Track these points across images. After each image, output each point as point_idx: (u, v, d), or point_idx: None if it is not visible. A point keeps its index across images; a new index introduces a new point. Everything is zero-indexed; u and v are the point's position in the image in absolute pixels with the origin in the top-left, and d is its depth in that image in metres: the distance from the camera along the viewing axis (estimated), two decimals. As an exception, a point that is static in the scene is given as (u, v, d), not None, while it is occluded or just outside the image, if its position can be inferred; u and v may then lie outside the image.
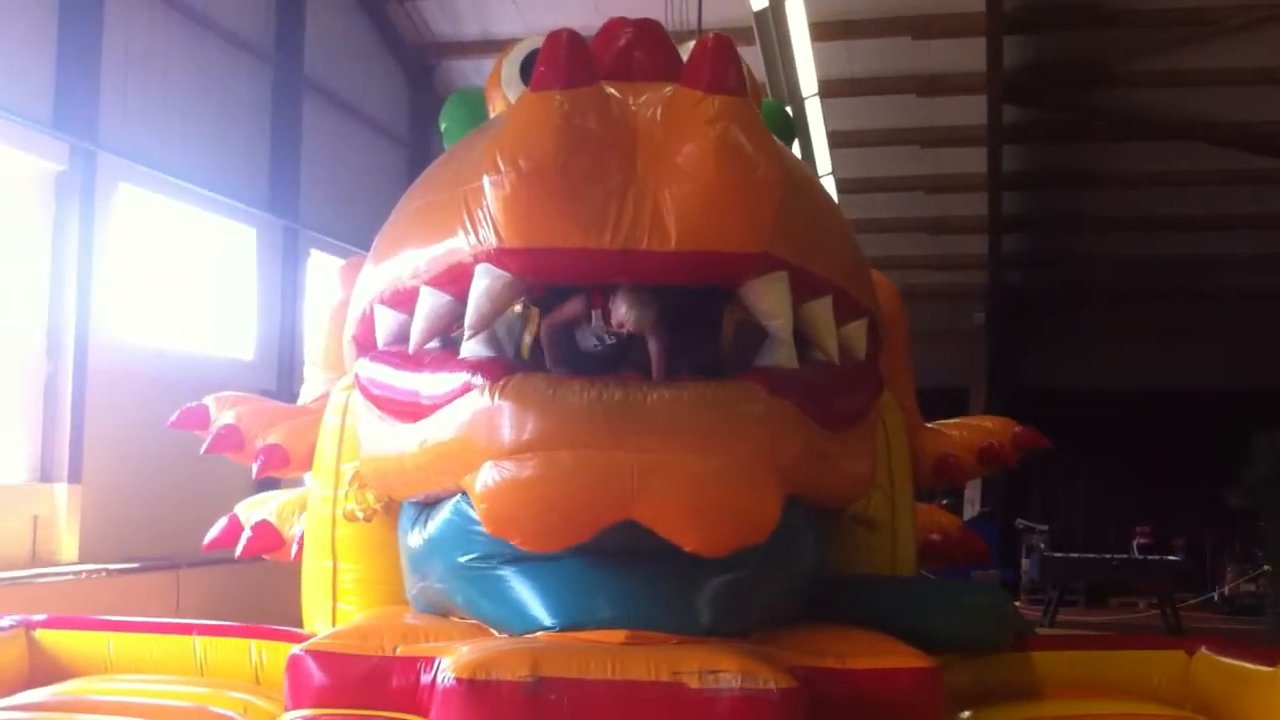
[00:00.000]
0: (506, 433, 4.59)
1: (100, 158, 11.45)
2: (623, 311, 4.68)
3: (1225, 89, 16.88)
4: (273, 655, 5.98)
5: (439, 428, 4.89)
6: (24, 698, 5.40)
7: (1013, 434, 7.43)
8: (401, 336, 5.30)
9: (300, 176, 15.05)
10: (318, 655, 4.92)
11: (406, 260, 5.22)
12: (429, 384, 5.02)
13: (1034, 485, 22.55)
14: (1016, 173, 19.19)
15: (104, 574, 10.46)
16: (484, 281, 4.76)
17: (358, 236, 11.56)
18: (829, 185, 17.25)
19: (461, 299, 4.86)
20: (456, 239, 4.84)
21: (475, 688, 4.49)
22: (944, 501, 13.54)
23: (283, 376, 14.03)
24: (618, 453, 4.49)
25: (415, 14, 17.84)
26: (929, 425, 7.54)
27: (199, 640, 6.19)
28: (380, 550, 6.03)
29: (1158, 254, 21.04)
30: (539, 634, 4.96)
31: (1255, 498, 17.35)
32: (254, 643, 6.17)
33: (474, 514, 4.81)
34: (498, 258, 4.70)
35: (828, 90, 15.56)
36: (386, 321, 5.42)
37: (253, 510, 7.14)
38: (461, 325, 4.89)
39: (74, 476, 10.92)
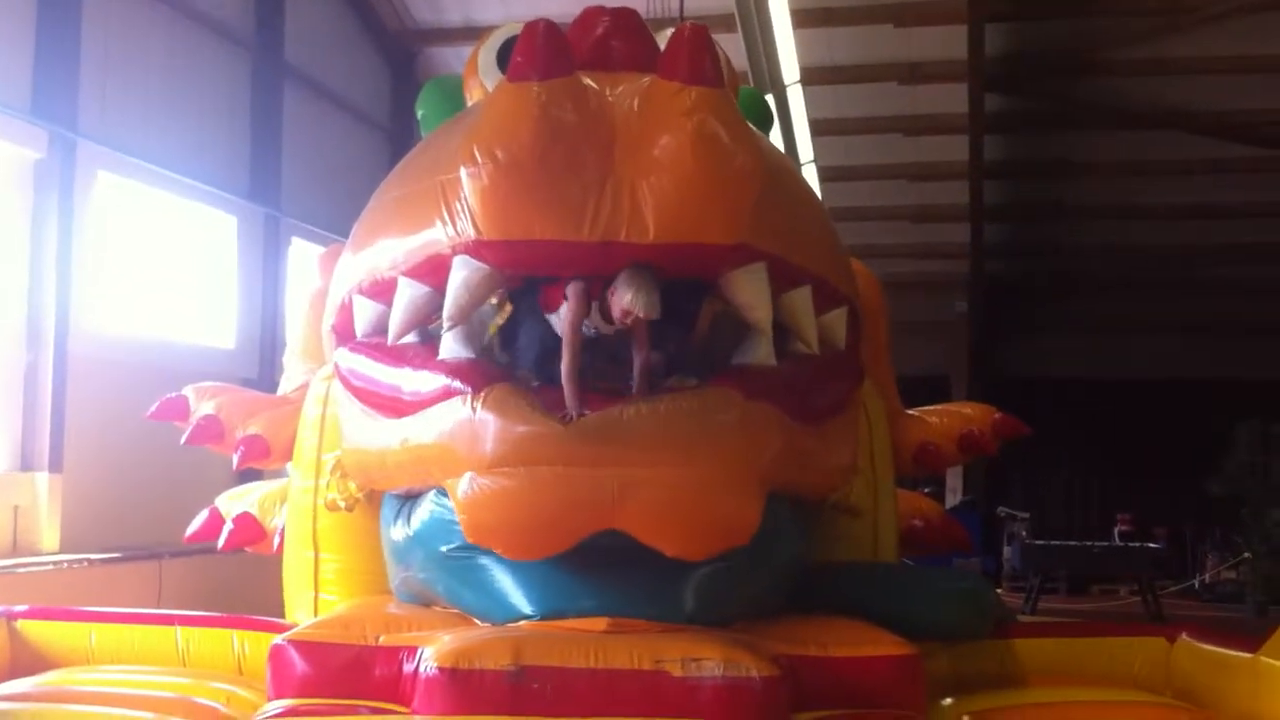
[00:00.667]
0: (488, 446, 4.61)
1: (79, 145, 11.37)
2: (627, 298, 4.64)
3: (1205, 77, 16.89)
4: (255, 645, 5.98)
5: (420, 429, 4.91)
6: (6, 688, 5.39)
7: (993, 421, 7.46)
8: (380, 327, 5.30)
9: (281, 164, 14.96)
10: (300, 645, 4.93)
11: (384, 250, 5.22)
12: (410, 381, 5.02)
13: (1015, 474, 22.62)
14: (998, 161, 19.20)
15: (85, 564, 10.41)
16: (462, 273, 4.76)
17: (339, 224, 11.51)
18: (810, 173, 17.23)
19: (440, 290, 4.86)
20: (434, 230, 4.84)
21: (458, 677, 4.51)
22: (926, 490, 13.56)
23: (264, 365, 13.97)
24: (597, 467, 4.54)
25: (397, 1, 17.76)
26: (910, 413, 7.56)
27: (181, 631, 6.17)
28: (362, 541, 6.03)
29: (1139, 243, 21.09)
30: (521, 623, 4.98)
31: (1236, 486, 17.44)
32: (236, 633, 6.17)
33: (455, 506, 4.83)
34: (476, 250, 4.71)
35: (809, 78, 15.51)
36: (365, 312, 5.42)
37: (234, 502, 7.12)
38: (440, 316, 4.89)
39: (55, 466, 10.86)
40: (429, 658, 4.62)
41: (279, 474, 7.13)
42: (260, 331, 14.26)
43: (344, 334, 5.64)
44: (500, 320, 5.33)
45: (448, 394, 4.76)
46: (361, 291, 5.40)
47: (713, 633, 4.81)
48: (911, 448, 7.20)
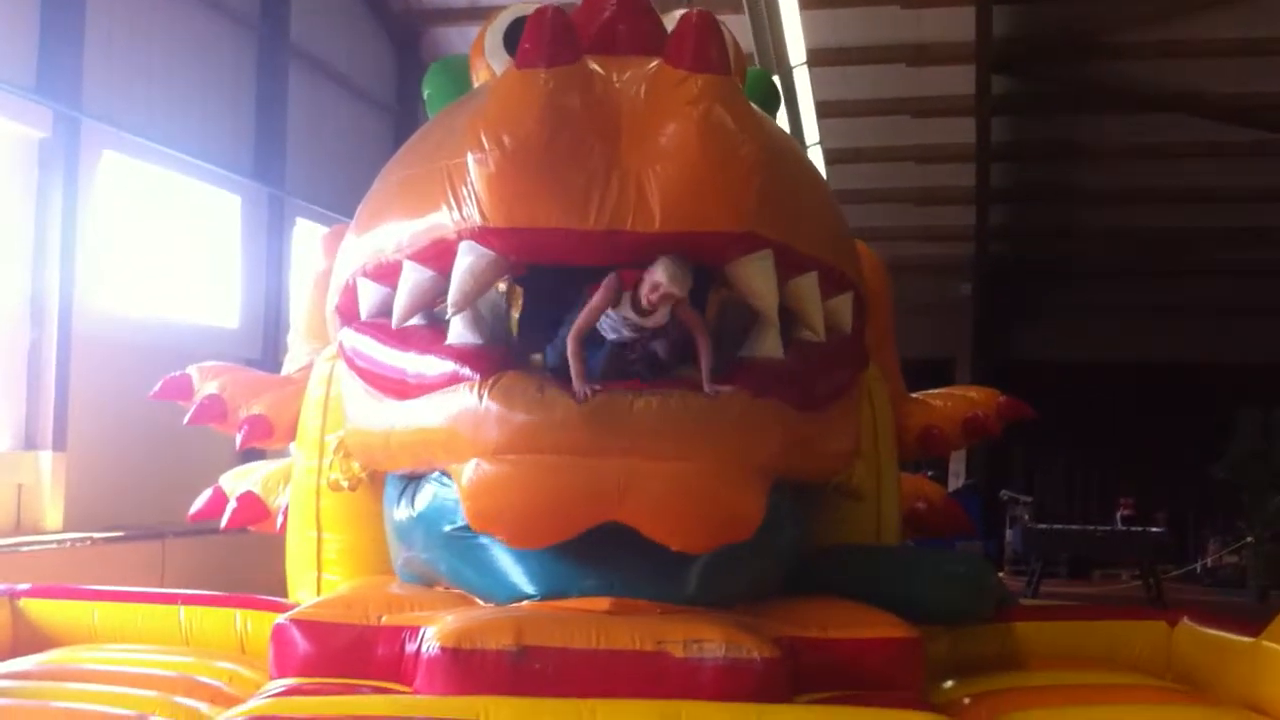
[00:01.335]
0: (494, 433, 4.62)
1: (84, 125, 11.37)
2: (659, 274, 4.64)
3: (1211, 60, 16.85)
4: (258, 625, 5.98)
5: (426, 413, 4.91)
6: (9, 666, 5.39)
7: (997, 404, 7.45)
8: (384, 310, 5.30)
9: (286, 144, 14.96)
10: (302, 624, 4.94)
11: (389, 233, 5.21)
12: (416, 364, 5.02)
13: (1018, 457, 22.63)
14: (1004, 144, 19.16)
15: (89, 543, 10.44)
16: (467, 259, 4.76)
17: (343, 204, 11.51)
18: (816, 156, 17.21)
19: (444, 274, 4.86)
20: (440, 214, 4.84)
21: (460, 656, 4.52)
22: (929, 473, 13.56)
23: (268, 345, 13.99)
24: (602, 458, 4.55)
25: (403, -20, 17.75)
26: (914, 396, 7.56)
27: (184, 610, 6.18)
28: (365, 520, 6.03)
29: (1145, 226, 21.05)
30: (523, 603, 4.99)
31: (1239, 471, 17.43)
32: (239, 612, 6.17)
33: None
34: (481, 236, 4.71)
35: (816, 59, 15.49)
36: (369, 294, 5.41)
37: (238, 481, 7.13)
38: (444, 300, 4.89)
39: (58, 444, 10.89)
40: (431, 637, 4.63)
41: (282, 454, 7.14)
42: (264, 311, 14.28)
43: (348, 315, 5.63)
44: (515, 313, 5.35)
45: (455, 380, 4.77)
46: (366, 274, 5.40)
47: (714, 614, 4.82)
48: (915, 431, 7.20)
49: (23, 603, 6.21)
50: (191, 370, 7.08)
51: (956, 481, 19.94)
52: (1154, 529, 17.59)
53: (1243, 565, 18.12)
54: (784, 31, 13.55)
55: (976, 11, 15.79)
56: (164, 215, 12.94)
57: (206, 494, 7.24)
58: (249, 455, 8.32)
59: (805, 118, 16.08)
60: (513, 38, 5.52)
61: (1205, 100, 17.65)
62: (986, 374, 19.40)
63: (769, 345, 4.94)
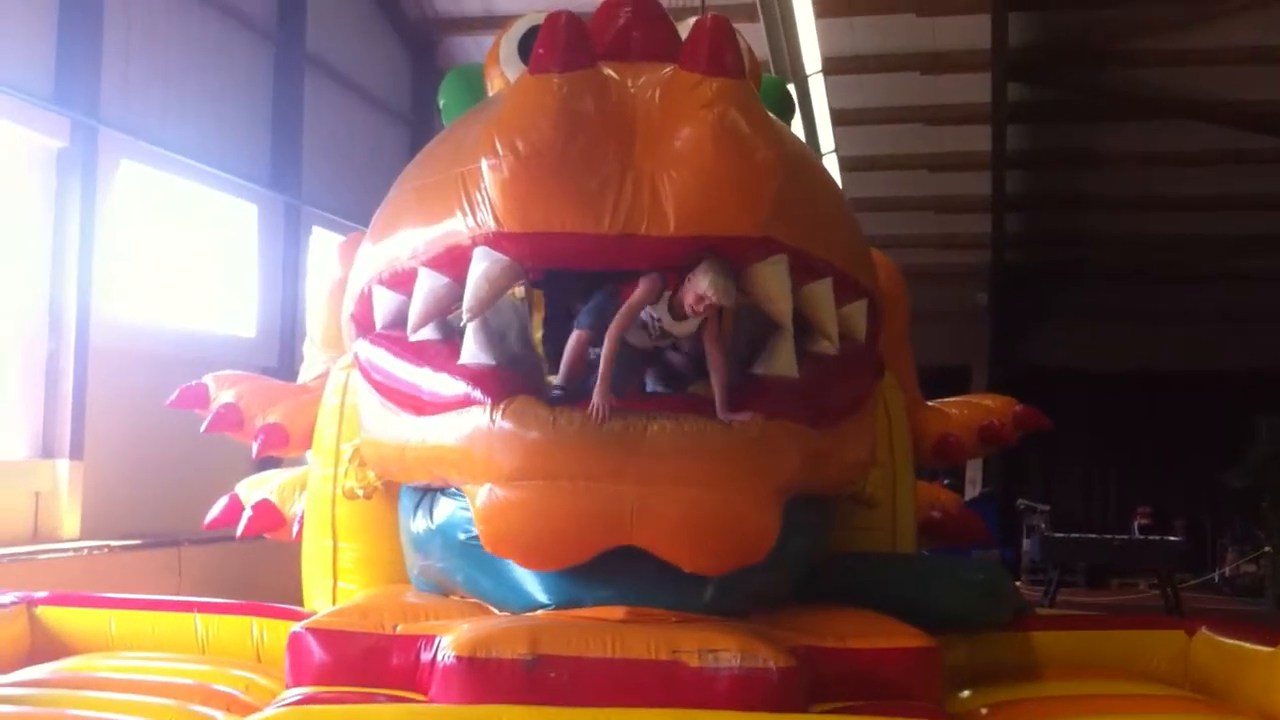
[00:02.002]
0: (507, 458, 4.63)
1: (102, 134, 11.41)
2: (704, 284, 4.62)
3: (1226, 68, 16.80)
4: (273, 633, 6.00)
5: (440, 432, 4.92)
6: (26, 674, 5.42)
7: (1013, 413, 7.42)
8: (400, 317, 5.30)
9: (302, 153, 15.00)
10: (318, 633, 4.94)
11: (404, 240, 5.22)
12: (430, 381, 5.03)
13: (1035, 465, 22.54)
14: (1020, 151, 19.12)
15: (106, 550, 10.47)
16: (482, 265, 4.76)
17: (359, 213, 11.53)
18: (832, 164, 17.20)
19: (460, 281, 4.86)
20: (454, 221, 4.84)
21: (475, 665, 4.51)
22: (945, 481, 13.53)
23: (284, 354, 14.02)
24: (616, 483, 4.55)
25: (418, -10, 17.79)
26: (930, 404, 7.54)
27: (200, 618, 6.20)
28: (381, 529, 6.04)
29: (1159, 233, 20.96)
30: (538, 611, 4.98)
31: (1256, 478, 17.34)
32: (255, 620, 6.19)
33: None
34: (496, 241, 4.71)
35: (831, 68, 15.49)
36: (385, 302, 5.42)
37: (254, 489, 7.15)
38: (459, 307, 4.89)
39: (76, 453, 10.92)
40: (446, 646, 4.63)
41: (298, 462, 7.15)
42: (280, 320, 14.31)
43: (363, 323, 5.64)
44: (539, 319, 5.34)
45: (467, 402, 4.77)
46: (381, 281, 5.41)
47: (730, 623, 4.81)
48: (931, 439, 7.18)
49: (40, 610, 6.24)
50: (208, 379, 7.10)
51: (973, 490, 19.88)
52: (1171, 538, 17.51)
53: (1261, 574, 18.02)
54: (799, 40, 13.57)
55: (992, 19, 15.76)
56: (181, 224, 12.98)
57: (222, 502, 7.25)
58: (265, 464, 8.33)
59: (821, 126, 16.08)
60: (527, 46, 5.51)
61: (1220, 107, 17.60)
62: (1003, 382, 19.35)
63: (784, 362, 4.91)
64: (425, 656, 4.77)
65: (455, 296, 4.97)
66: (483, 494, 4.68)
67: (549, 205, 4.59)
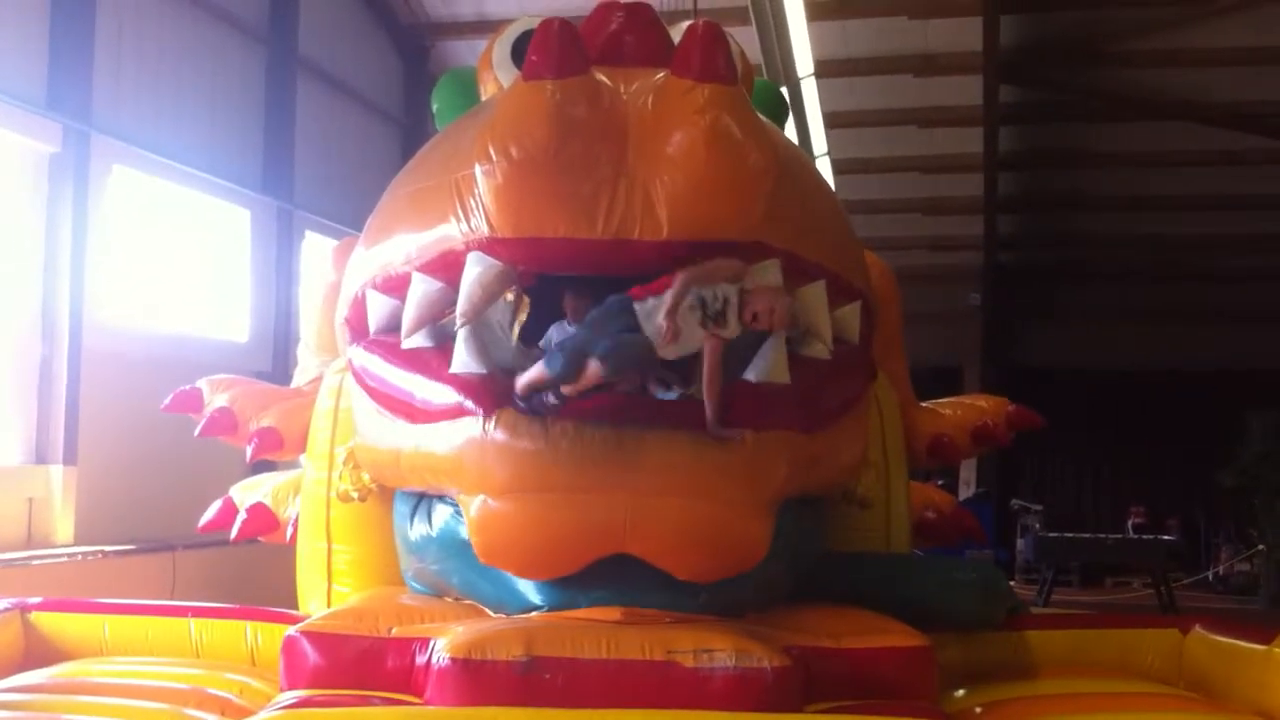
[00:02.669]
0: (500, 469, 4.65)
1: (94, 139, 11.41)
2: (776, 307, 4.64)
3: (1219, 68, 16.85)
4: (268, 637, 5.99)
5: (433, 440, 4.92)
6: (20, 680, 5.40)
7: (1006, 413, 7.43)
8: (393, 322, 5.30)
9: (294, 157, 15.01)
10: (313, 636, 4.94)
11: (398, 245, 5.23)
12: (422, 389, 5.03)
13: (1029, 465, 22.60)
14: (1012, 152, 19.17)
15: (100, 556, 10.46)
16: (476, 270, 4.78)
17: (352, 218, 11.51)
18: (824, 166, 17.21)
19: (453, 286, 4.87)
20: (448, 226, 4.86)
21: (470, 667, 4.52)
22: (939, 482, 13.55)
23: (277, 358, 14.03)
24: (610, 495, 4.56)
25: (410, -6, 17.80)
26: (923, 405, 7.55)
27: (194, 622, 6.19)
28: (375, 531, 6.03)
29: (1152, 233, 21.03)
30: (533, 613, 4.99)
31: (1249, 477, 17.39)
32: (249, 624, 6.18)
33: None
34: (489, 246, 4.72)
35: (824, 70, 15.49)
36: (378, 307, 5.42)
37: (248, 493, 7.14)
38: (453, 312, 4.90)
39: (69, 458, 10.92)
40: (441, 649, 4.63)
41: (292, 465, 7.15)
42: (273, 325, 14.32)
43: (357, 328, 5.64)
44: (521, 318, 5.34)
45: (460, 412, 4.78)
46: (375, 286, 5.41)
47: (725, 623, 4.81)
48: (925, 440, 7.19)
49: (34, 616, 6.21)
50: (202, 383, 7.08)
51: (967, 490, 19.92)
52: (1165, 536, 17.55)
53: (1255, 573, 18.08)
54: (791, 43, 13.55)
55: (984, 21, 15.79)
56: (173, 229, 12.97)
57: (216, 505, 7.24)
58: (259, 467, 8.33)
59: (813, 128, 16.09)
60: (520, 50, 5.54)
61: (1212, 108, 17.65)
62: (996, 382, 19.40)
63: (776, 368, 4.91)
64: (420, 659, 4.77)
65: (449, 301, 4.98)
66: (476, 505, 4.70)
67: (542, 210, 4.61)
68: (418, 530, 5.48)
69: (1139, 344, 21.62)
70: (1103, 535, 17.92)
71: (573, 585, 4.92)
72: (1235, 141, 18.12)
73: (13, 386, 10.75)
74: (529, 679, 4.48)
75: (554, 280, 5.19)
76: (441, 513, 5.28)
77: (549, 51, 4.52)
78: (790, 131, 13.24)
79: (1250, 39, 16.19)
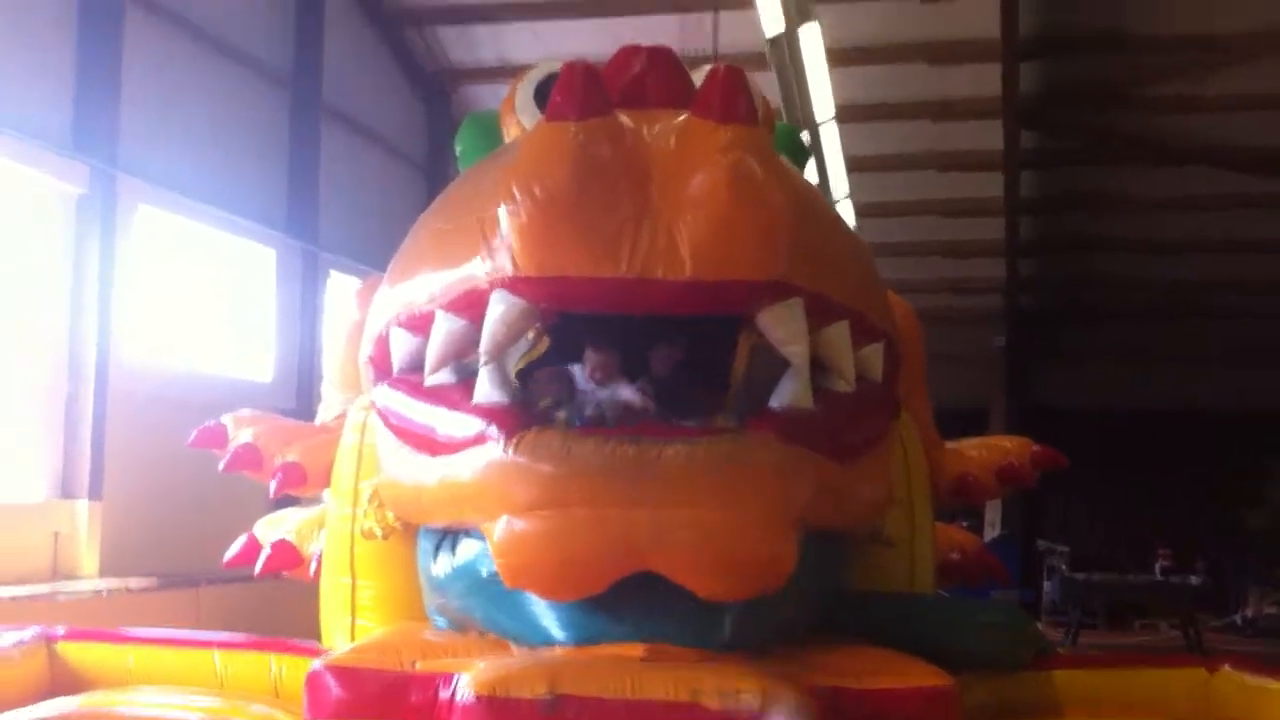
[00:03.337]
0: (522, 489, 4.65)
1: (120, 180, 11.53)
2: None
3: (1237, 114, 16.88)
4: (292, 670, 6.00)
5: (455, 470, 4.94)
6: (46, 708, 5.43)
7: (1031, 453, 7.43)
8: (417, 360, 5.33)
9: (319, 198, 15.13)
10: (337, 670, 4.95)
11: (422, 284, 5.27)
12: (445, 422, 5.05)
13: (1054, 506, 22.48)
14: (1032, 197, 19.19)
15: (125, 590, 10.50)
16: (499, 308, 4.81)
17: (375, 259, 11.59)
18: (846, 209, 17.27)
19: (476, 325, 4.90)
20: (472, 265, 4.89)
21: (494, 705, 4.51)
22: (964, 523, 13.50)
23: (301, 397, 14.08)
24: (632, 509, 4.55)
25: (433, 40, 17.95)
26: (948, 445, 7.54)
27: (219, 654, 6.21)
28: (399, 567, 6.03)
29: (1174, 277, 21.00)
30: (557, 649, 4.98)
31: (1276, 519, 17.27)
32: (274, 657, 6.19)
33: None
34: (513, 285, 4.75)
35: (844, 115, 15.59)
36: (401, 344, 5.45)
37: (271, 528, 7.17)
38: (476, 350, 4.94)
39: (94, 493, 10.98)
40: (465, 685, 4.63)
41: (316, 501, 7.18)
42: (298, 364, 14.38)
43: (381, 366, 5.68)
44: (534, 355, 5.36)
45: (482, 439, 4.80)
46: (399, 324, 5.44)
47: (750, 663, 4.79)
48: (950, 479, 7.18)
49: (60, 646, 6.25)
50: (226, 419, 7.14)
51: (992, 531, 19.83)
52: (1193, 578, 17.40)
53: (1283, 616, 17.91)
54: (810, 88, 13.65)
55: (1003, 67, 15.87)
56: (199, 270, 13.08)
57: (241, 541, 7.28)
58: (282, 503, 8.36)
59: (834, 173, 16.17)
60: (544, 93, 5.59)
61: (1230, 153, 17.66)
62: (1020, 423, 19.34)
63: (798, 394, 4.93)
64: (444, 694, 4.76)
65: (472, 339, 5.00)
66: (500, 527, 4.68)
67: (566, 249, 4.64)
68: (441, 566, 5.48)
69: (1163, 384, 21.56)
70: (1130, 576, 17.79)
71: (597, 619, 4.91)
72: (1253, 185, 18.11)
73: (40, 423, 10.83)
74: (553, 717, 4.47)
75: (568, 318, 5.22)
76: (465, 548, 5.29)
77: (572, 93, 4.57)
78: (811, 175, 13.32)
79: (1267, 86, 16.22)
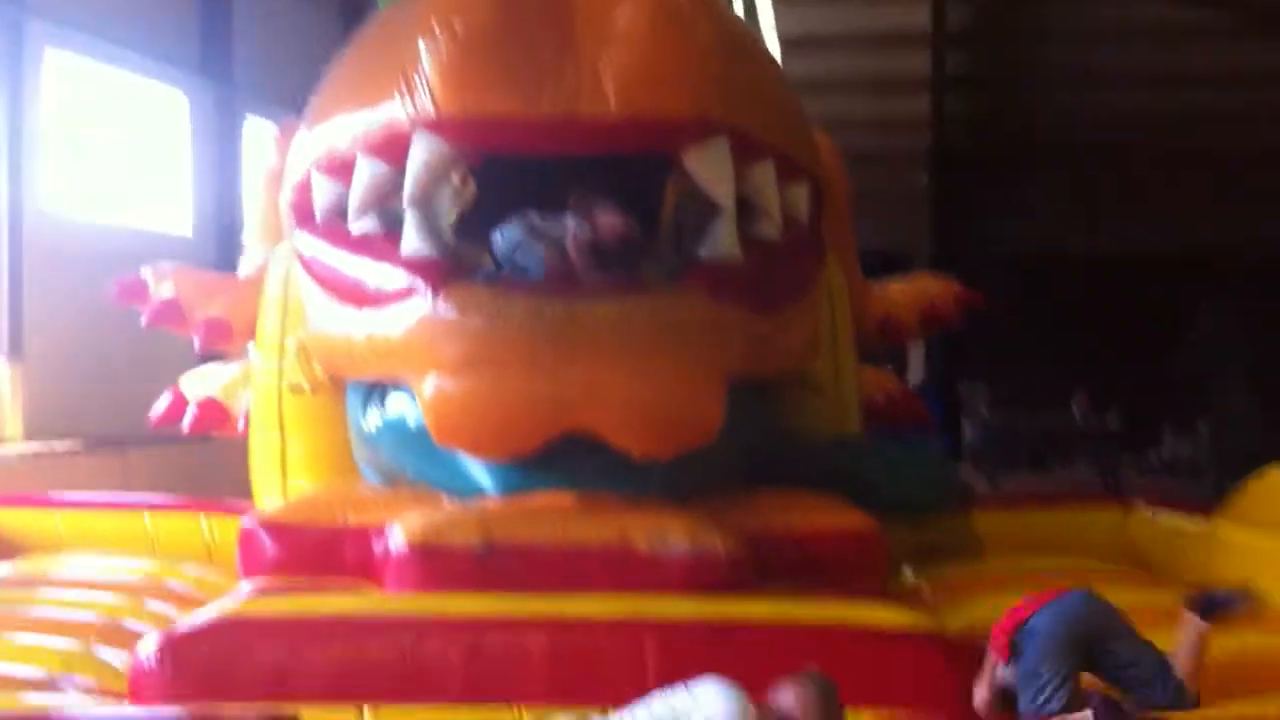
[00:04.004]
0: (451, 346, 4.61)
1: (28, 24, 11.07)
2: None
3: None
4: (224, 530, 5.99)
5: (384, 324, 4.88)
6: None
7: (953, 294, 7.48)
8: (340, 207, 5.22)
9: (233, 38, 14.61)
10: (270, 527, 4.96)
11: (343, 127, 5.13)
12: (371, 273, 4.98)
13: (977, 352, 22.74)
14: (962, 28, 18.98)
15: (50, 452, 10.38)
16: (422, 153, 4.71)
17: (294, 101, 11.29)
18: (771, 41, 17.02)
19: (399, 169, 4.81)
20: (393, 104, 4.77)
21: (428, 554, 4.55)
22: (890, 367, 13.65)
23: (223, 249, 13.76)
24: (563, 368, 4.53)
25: None
26: (872, 286, 7.57)
27: (150, 516, 6.19)
28: (329, 422, 5.98)
29: (1105, 112, 20.82)
30: (489, 499, 5.00)
31: (1197, 363, 17.56)
32: (205, 517, 6.18)
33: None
34: (435, 125, 4.64)
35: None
36: (324, 191, 5.33)
37: (198, 384, 7.07)
38: (400, 196, 4.84)
39: (14, 353, 10.76)
40: (398, 536, 4.65)
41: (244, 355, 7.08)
42: (217, 214, 14.06)
43: (303, 212, 5.55)
44: (461, 207, 5.27)
45: (409, 293, 4.73)
46: (320, 169, 5.31)
47: (678, 508, 4.85)
48: (874, 320, 7.23)
49: (-13, 512, 6.20)
50: (145, 272, 6.98)
51: (916, 377, 20.06)
52: (1112, 422, 17.78)
53: (1199, 458, 18.37)
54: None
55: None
56: (114, 119, 12.68)
57: (166, 398, 7.17)
58: (210, 357, 8.26)
59: (760, 3, 15.90)
60: (466, -71, 5.40)
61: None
62: (943, 266, 19.38)
63: (726, 242, 4.90)
64: (378, 547, 4.78)
65: (395, 185, 4.90)
66: (429, 385, 4.65)
67: (487, 87, 4.55)
68: (371, 421, 5.46)
69: (1089, 228, 21.65)
70: (1050, 421, 18.12)
71: (526, 471, 4.92)
72: (1192, 15, 17.84)
73: (-47, 281, 10.55)
74: (486, 564, 4.52)
75: (501, 167, 5.13)
76: (394, 402, 5.27)
77: (494, -72, 4.43)
78: (737, 6, 13.07)
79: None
